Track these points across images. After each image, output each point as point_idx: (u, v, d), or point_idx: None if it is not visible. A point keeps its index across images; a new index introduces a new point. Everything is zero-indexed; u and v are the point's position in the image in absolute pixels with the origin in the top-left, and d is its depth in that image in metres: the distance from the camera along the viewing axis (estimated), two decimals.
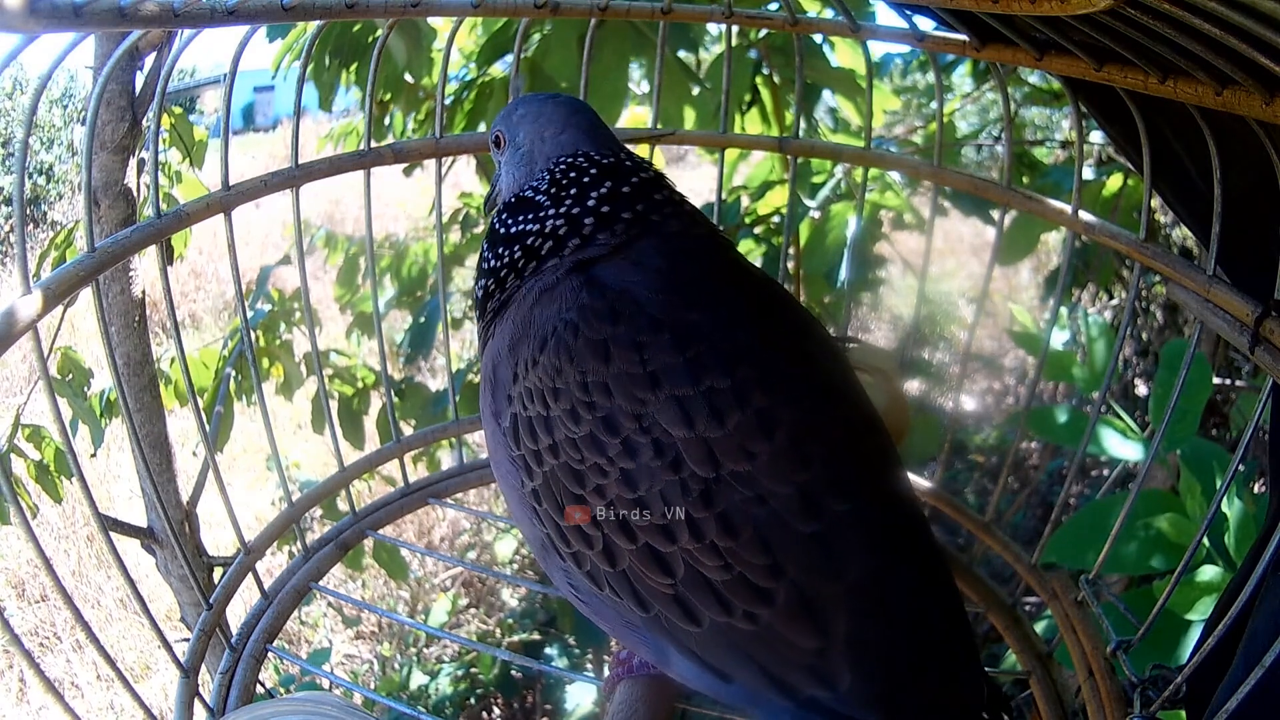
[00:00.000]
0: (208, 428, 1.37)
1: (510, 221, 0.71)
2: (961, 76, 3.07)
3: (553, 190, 0.70)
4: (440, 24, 1.90)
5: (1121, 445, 1.18)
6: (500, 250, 0.71)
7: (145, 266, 1.38)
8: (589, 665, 2.46)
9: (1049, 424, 1.26)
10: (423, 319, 2.30)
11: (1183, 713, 0.74)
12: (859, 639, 0.56)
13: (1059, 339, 1.44)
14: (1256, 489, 1.86)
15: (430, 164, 1.00)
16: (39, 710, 2.77)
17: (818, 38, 1.76)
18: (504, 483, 0.69)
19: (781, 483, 0.57)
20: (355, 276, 2.50)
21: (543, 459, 0.63)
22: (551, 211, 0.69)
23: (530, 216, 0.70)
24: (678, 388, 0.59)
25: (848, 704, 0.56)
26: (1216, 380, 2.16)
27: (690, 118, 1.70)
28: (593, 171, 0.70)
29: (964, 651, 0.59)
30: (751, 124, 1.85)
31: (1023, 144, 2.73)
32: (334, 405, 2.12)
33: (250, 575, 0.88)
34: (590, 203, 0.69)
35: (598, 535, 0.61)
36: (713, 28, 1.94)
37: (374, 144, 0.90)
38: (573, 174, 0.70)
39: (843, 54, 1.78)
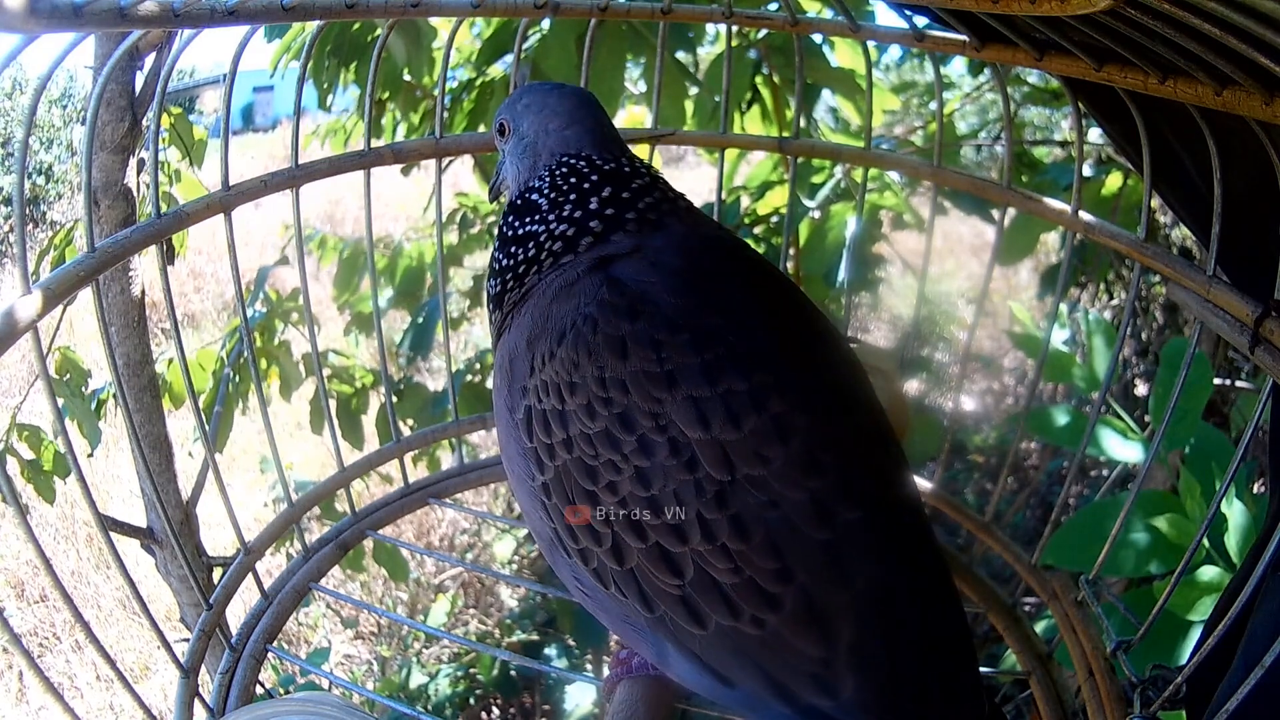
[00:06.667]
0: (207, 428, 1.37)
1: (516, 223, 0.72)
2: (961, 75, 3.07)
3: (552, 194, 0.71)
4: (440, 24, 1.90)
5: (1121, 446, 1.18)
6: (512, 250, 0.72)
7: (145, 266, 1.38)
8: (589, 665, 2.45)
9: (1048, 425, 1.26)
10: (421, 319, 2.29)
11: (1183, 713, 0.74)
12: (863, 648, 0.56)
13: (1058, 338, 1.43)
14: (1256, 489, 1.86)
15: (429, 164, 1.00)
16: (39, 710, 2.77)
17: (817, 38, 1.76)
18: (514, 476, 0.68)
19: (795, 488, 0.57)
20: (352, 277, 2.49)
21: (555, 453, 0.63)
22: (552, 216, 0.70)
23: (535, 218, 0.71)
24: (694, 389, 0.58)
25: (848, 713, 0.56)
26: (1216, 380, 2.15)
27: (688, 118, 1.70)
28: (593, 177, 0.71)
29: (965, 664, 0.59)
30: (751, 124, 1.85)
31: (1022, 144, 2.72)
32: (333, 406, 2.12)
33: (250, 575, 0.88)
34: (592, 206, 0.70)
35: (607, 533, 0.60)
36: (712, 28, 1.94)
37: (374, 144, 0.90)
38: (573, 179, 0.71)
39: (843, 54, 1.78)
